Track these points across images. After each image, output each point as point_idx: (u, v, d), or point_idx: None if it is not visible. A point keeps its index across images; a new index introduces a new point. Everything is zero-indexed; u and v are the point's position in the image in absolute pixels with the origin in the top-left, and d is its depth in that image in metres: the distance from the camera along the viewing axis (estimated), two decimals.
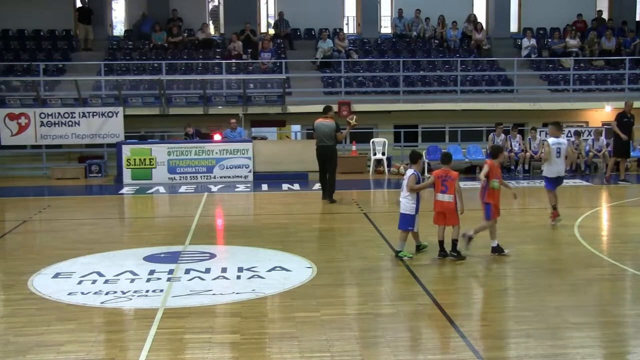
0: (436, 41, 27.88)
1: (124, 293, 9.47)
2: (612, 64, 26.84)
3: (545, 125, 21.71)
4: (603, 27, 28.05)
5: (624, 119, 20.61)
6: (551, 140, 14.23)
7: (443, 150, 12.74)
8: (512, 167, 22.22)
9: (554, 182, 14.32)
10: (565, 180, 19.70)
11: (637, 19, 30.01)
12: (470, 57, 26.78)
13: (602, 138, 22.48)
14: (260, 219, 16.10)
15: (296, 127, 25.99)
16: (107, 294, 9.46)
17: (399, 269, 10.75)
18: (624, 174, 20.72)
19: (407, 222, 11.42)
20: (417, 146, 23.95)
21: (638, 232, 13.39)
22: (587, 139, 22.78)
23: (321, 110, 18.19)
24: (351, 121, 17.51)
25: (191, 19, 27.75)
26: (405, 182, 11.57)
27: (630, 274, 10.53)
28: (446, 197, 11.38)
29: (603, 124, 24.27)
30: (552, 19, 28.80)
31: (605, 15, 29.38)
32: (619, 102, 24.66)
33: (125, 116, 22.48)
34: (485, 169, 11.54)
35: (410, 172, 11.59)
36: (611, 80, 26.28)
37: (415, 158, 11.80)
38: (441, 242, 11.45)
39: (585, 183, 20.38)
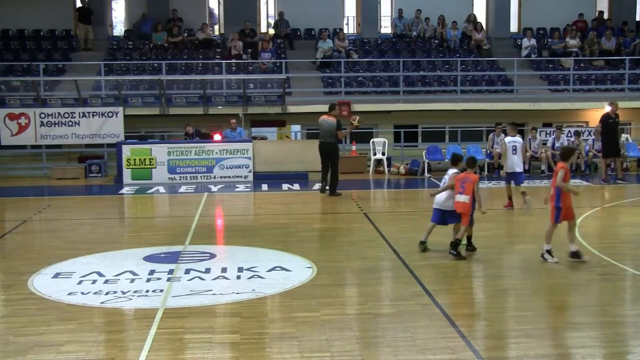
0: (436, 41, 27.88)
1: (124, 293, 9.47)
2: (612, 64, 26.84)
3: (545, 125, 21.76)
4: (603, 27, 28.05)
5: (609, 120, 20.68)
6: (507, 139, 15.98)
7: (453, 152, 13.26)
8: None
9: (510, 177, 15.95)
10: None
11: (637, 19, 30.00)
12: (470, 57, 26.77)
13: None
14: (260, 219, 16.10)
15: (296, 127, 25.99)
16: (107, 294, 9.46)
17: (399, 269, 10.75)
18: (622, 173, 20.73)
19: (455, 216, 11.73)
20: (417, 146, 23.97)
21: (638, 232, 13.38)
22: (587, 139, 22.77)
23: (321, 110, 18.22)
24: (354, 122, 17.77)
25: (191, 19, 27.75)
26: (446, 180, 11.99)
27: (630, 273, 10.53)
28: (462, 198, 11.53)
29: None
30: (552, 19, 28.79)
31: (605, 15, 29.38)
32: (619, 102, 24.70)
33: (125, 116, 22.48)
34: (562, 173, 11.26)
35: (452, 171, 11.98)
36: (611, 80, 26.28)
37: (455, 160, 12.29)
38: (469, 238, 11.73)
39: (585, 183, 20.37)
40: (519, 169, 15.97)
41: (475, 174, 11.83)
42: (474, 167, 12.09)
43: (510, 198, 16.08)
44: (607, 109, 21.44)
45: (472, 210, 11.60)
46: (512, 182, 16.10)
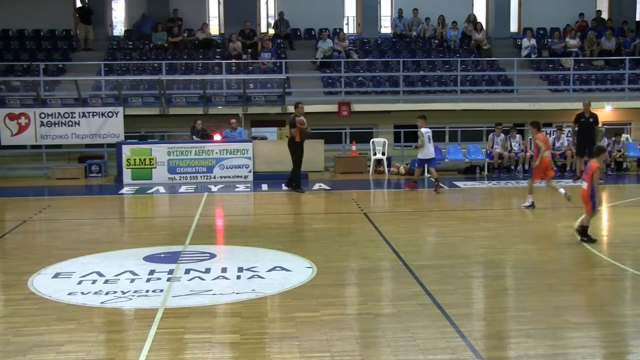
0: (436, 41, 27.89)
1: (124, 293, 9.47)
2: (612, 64, 26.85)
3: (545, 125, 21.70)
4: (603, 27, 28.05)
5: (581, 119, 20.71)
6: (423, 130, 18.54)
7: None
8: (512, 167, 22.22)
9: (426, 162, 18.91)
10: (564, 181, 19.87)
11: (637, 19, 30.01)
12: (470, 57, 26.78)
13: (604, 138, 22.47)
14: (260, 219, 16.10)
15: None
16: (107, 294, 9.46)
17: (399, 269, 10.75)
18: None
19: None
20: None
21: (638, 232, 13.39)
22: None
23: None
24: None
25: (191, 19, 27.76)
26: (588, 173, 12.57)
27: (630, 274, 10.54)
28: (583, 185, 12.60)
29: (603, 124, 24.28)
30: (552, 19, 28.79)
31: (605, 15, 29.39)
32: (619, 102, 24.76)
33: (125, 116, 22.47)
34: (597, 173, 12.51)
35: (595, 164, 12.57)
36: (611, 80, 26.29)
37: (598, 152, 12.96)
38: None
39: (584, 183, 20.29)
40: (432, 155, 18.89)
41: (596, 163, 12.50)
42: (598, 156, 12.78)
43: (415, 181, 19.08)
44: (608, 109, 21.44)
45: (592, 199, 12.36)
46: (427, 165, 19.09)
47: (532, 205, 16.07)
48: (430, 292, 9.36)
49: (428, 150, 18.77)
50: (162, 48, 26.25)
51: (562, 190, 16.09)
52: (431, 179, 18.87)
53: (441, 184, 18.73)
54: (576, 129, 21.15)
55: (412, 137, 24.34)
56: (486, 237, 13.16)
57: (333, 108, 23.61)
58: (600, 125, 20.92)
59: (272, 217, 16.04)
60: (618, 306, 9.14)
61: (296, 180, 19.01)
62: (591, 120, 20.65)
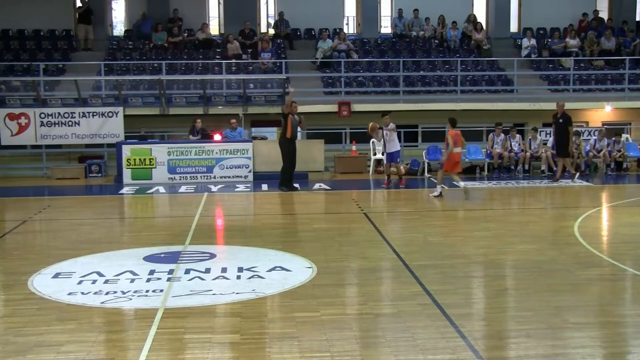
0: (436, 41, 27.89)
1: (124, 293, 9.47)
2: (612, 64, 26.84)
3: (545, 125, 21.74)
4: (603, 27, 28.06)
5: (553, 120, 20.77)
6: (391, 125, 19.22)
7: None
8: (512, 167, 22.21)
9: (396, 155, 19.77)
10: (564, 181, 19.93)
11: (637, 19, 30.01)
12: (470, 57, 26.77)
13: (605, 138, 22.48)
14: (260, 219, 16.10)
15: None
16: (107, 294, 9.45)
17: (399, 269, 10.76)
18: (576, 174, 20.92)
19: None
20: (417, 146, 23.97)
21: (638, 232, 13.39)
22: (589, 139, 22.78)
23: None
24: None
25: (191, 18, 27.76)
26: None
27: (631, 274, 10.54)
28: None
29: (603, 124, 24.29)
30: (552, 19, 28.79)
31: (605, 15, 29.38)
32: (619, 102, 24.77)
33: (125, 116, 22.46)
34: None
35: None
36: (611, 80, 26.28)
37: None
38: None
39: (585, 183, 20.37)
40: (395, 149, 19.68)
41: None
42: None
43: (388, 177, 19.80)
44: (608, 109, 21.42)
45: None
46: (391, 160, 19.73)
47: (441, 195, 17.55)
48: (430, 292, 9.36)
49: (392, 145, 19.60)
50: (162, 48, 26.25)
51: (461, 184, 17.75)
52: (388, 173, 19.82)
53: (394, 181, 19.68)
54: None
55: (412, 137, 24.40)
56: (486, 237, 13.16)
57: (333, 108, 23.62)
58: (572, 125, 20.96)
59: (272, 217, 16.04)
60: (618, 306, 9.15)
61: (288, 179, 19.08)
62: (561, 121, 20.67)
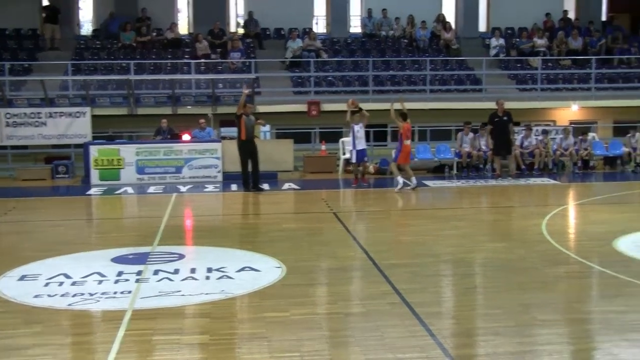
0: (405, 41, 27.98)
1: (91, 295, 9.37)
2: (579, 63, 27.10)
3: (515, 124, 21.86)
4: (569, 27, 28.32)
5: (494, 119, 20.97)
6: (359, 125, 19.37)
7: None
8: (481, 166, 22.33)
9: (364, 154, 19.90)
10: (532, 179, 20.12)
11: (603, 19, 30.33)
12: (439, 57, 26.91)
13: (571, 137, 22.68)
14: (230, 219, 16.04)
15: (265, 127, 25.91)
16: (74, 296, 9.34)
17: (369, 268, 10.76)
18: (514, 171, 21.29)
19: None
20: (386, 145, 24.01)
21: (604, 230, 13.51)
22: (555, 138, 22.96)
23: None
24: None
25: (160, 18, 27.62)
26: None
27: (597, 271, 10.63)
28: None
29: (570, 123, 24.51)
30: (520, 18, 29.01)
31: (572, 15, 29.66)
32: (586, 102, 25.03)
33: (92, 116, 22.25)
34: None
35: None
36: (578, 79, 26.54)
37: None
38: None
39: (552, 181, 20.55)
40: (363, 147, 19.80)
41: None
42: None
43: (356, 176, 19.82)
44: (575, 108, 21.62)
45: None
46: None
47: (406, 185, 18.30)
48: (400, 291, 9.37)
49: (363, 141, 19.79)
50: (130, 48, 26.07)
51: (399, 180, 18.24)
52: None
53: (362, 180, 19.77)
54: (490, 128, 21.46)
55: (382, 136, 24.43)
56: (455, 235, 13.21)
57: (302, 108, 23.63)
58: (513, 123, 21.25)
59: (241, 217, 16.00)
60: (585, 303, 9.23)
61: (244, 181, 19.03)
62: (505, 119, 20.92)
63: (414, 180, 18.70)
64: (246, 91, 19.57)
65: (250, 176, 19.00)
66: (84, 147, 20.98)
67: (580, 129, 23.56)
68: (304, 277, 10.35)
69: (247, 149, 18.97)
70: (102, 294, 9.41)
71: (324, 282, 10.46)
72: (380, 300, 9.04)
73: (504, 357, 7.15)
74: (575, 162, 22.56)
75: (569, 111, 25.12)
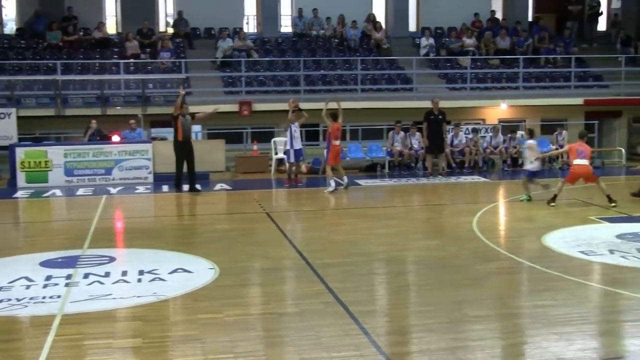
0: (336, 40, 28.06)
1: (18, 300, 9.14)
2: (507, 62, 27.57)
3: (448, 123, 22.13)
4: (497, 27, 28.80)
5: (430, 117, 21.36)
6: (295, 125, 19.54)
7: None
8: (413, 165, 22.54)
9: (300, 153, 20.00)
10: (463, 177, 20.39)
11: (530, 19, 30.91)
12: (370, 56, 27.06)
13: (500, 135, 23.05)
14: (162, 221, 15.85)
15: (197, 127, 25.64)
16: (0, 302, 9.10)
17: (302, 268, 10.76)
18: (444, 170, 21.74)
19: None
20: (318, 145, 24.01)
21: (533, 226, 13.78)
22: (485, 136, 23.32)
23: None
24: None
25: (87, 17, 27.09)
26: None
27: (527, 266, 10.83)
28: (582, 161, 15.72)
29: (499, 121, 24.90)
30: (450, 18, 29.36)
31: (499, 15, 30.15)
32: (514, 100, 25.47)
33: (18, 117, 21.71)
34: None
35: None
36: (506, 78, 26.99)
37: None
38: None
39: (483, 179, 20.87)
40: (300, 146, 19.95)
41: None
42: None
43: (289, 176, 19.94)
44: (503, 106, 21.95)
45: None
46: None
47: (341, 185, 18.62)
48: (334, 290, 9.39)
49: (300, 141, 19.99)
50: (56, 47, 25.53)
51: (332, 183, 18.34)
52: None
53: (294, 180, 19.88)
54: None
55: (314, 136, 24.44)
56: (388, 234, 13.31)
57: (234, 108, 23.48)
58: (447, 122, 21.69)
59: (173, 219, 15.83)
60: (515, 298, 9.40)
61: (177, 181, 18.89)
62: (440, 117, 21.29)
63: (345, 179, 18.79)
64: (183, 92, 19.37)
65: (183, 177, 18.82)
66: (10, 149, 20.46)
67: (509, 128, 23.97)
68: (238, 277, 10.29)
69: (184, 150, 18.79)
70: (30, 299, 9.20)
71: (258, 282, 10.43)
72: (314, 300, 9.04)
73: (437, 353, 7.23)
74: (504, 160, 22.96)
75: (498, 110, 25.53)
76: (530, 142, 17.09)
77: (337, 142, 18.98)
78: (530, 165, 16.82)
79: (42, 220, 16.38)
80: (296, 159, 19.78)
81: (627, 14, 31.32)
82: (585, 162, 15.89)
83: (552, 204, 15.76)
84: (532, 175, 16.78)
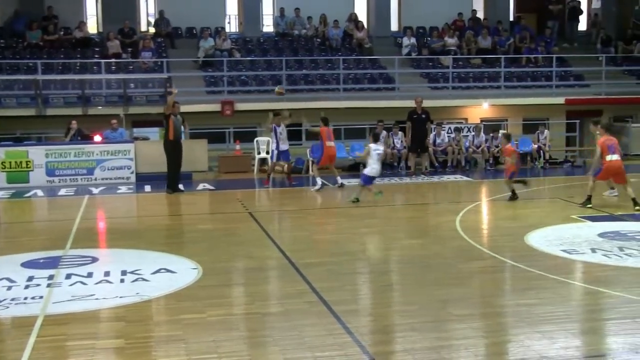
0: (318, 40, 28.07)
1: (0, 301, 9.08)
2: (488, 62, 27.68)
3: (432, 122, 22.18)
4: (479, 27, 28.90)
5: (413, 116, 21.46)
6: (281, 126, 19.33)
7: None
8: (395, 164, 22.58)
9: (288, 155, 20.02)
10: (446, 176, 20.44)
11: (511, 19, 31.05)
12: (352, 56, 27.08)
13: (482, 134, 23.13)
14: (144, 221, 15.79)
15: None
16: None
17: (286, 267, 10.75)
18: (426, 169, 21.95)
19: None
20: (301, 144, 24.02)
21: (515, 225, 13.83)
22: (467, 135, 23.39)
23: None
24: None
25: (68, 16, 26.94)
26: None
27: (509, 265, 10.87)
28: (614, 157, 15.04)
29: (481, 121, 25.00)
30: (431, 18, 29.44)
31: (480, 15, 30.27)
32: (496, 99, 25.58)
33: None
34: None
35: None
36: (488, 78, 27.10)
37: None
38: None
39: (465, 178, 20.94)
40: (285, 147, 19.61)
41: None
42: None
43: (269, 176, 19.85)
44: (485, 106, 22.00)
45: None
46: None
47: (322, 188, 18.62)
48: (317, 290, 9.38)
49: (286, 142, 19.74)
50: (37, 47, 25.38)
51: (319, 181, 18.53)
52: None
53: (289, 178, 19.92)
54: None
55: (296, 135, 24.43)
56: (371, 233, 13.33)
57: (216, 107, 23.43)
58: (431, 121, 21.80)
59: (156, 219, 15.77)
60: (498, 297, 9.43)
61: (170, 181, 18.72)
62: (424, 116, 21.39)
63: (339, 179, 19.00)
64: (175, 91, 19.26)
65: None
66: None
67: (491, 127, 24.07)
68: (221, 277, 10.27)
69: (174, 149, 18.65)
70: (12, 300, 9.14)
71: (241, 282, 10.41)
72: (297, 300, 9.03)
73: (421, 352, 7.23)
74: (487, 159, 23.03)
75: (480, 109, 25.63)
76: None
77: (331, 143, 19.11)
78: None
79: (23, 221, 16.28)
80: (285, 160, 19.83)
81: (607, 14, 31.57)
82: (617, 157, 15.23)
83: (589, 205, 15.24)
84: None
